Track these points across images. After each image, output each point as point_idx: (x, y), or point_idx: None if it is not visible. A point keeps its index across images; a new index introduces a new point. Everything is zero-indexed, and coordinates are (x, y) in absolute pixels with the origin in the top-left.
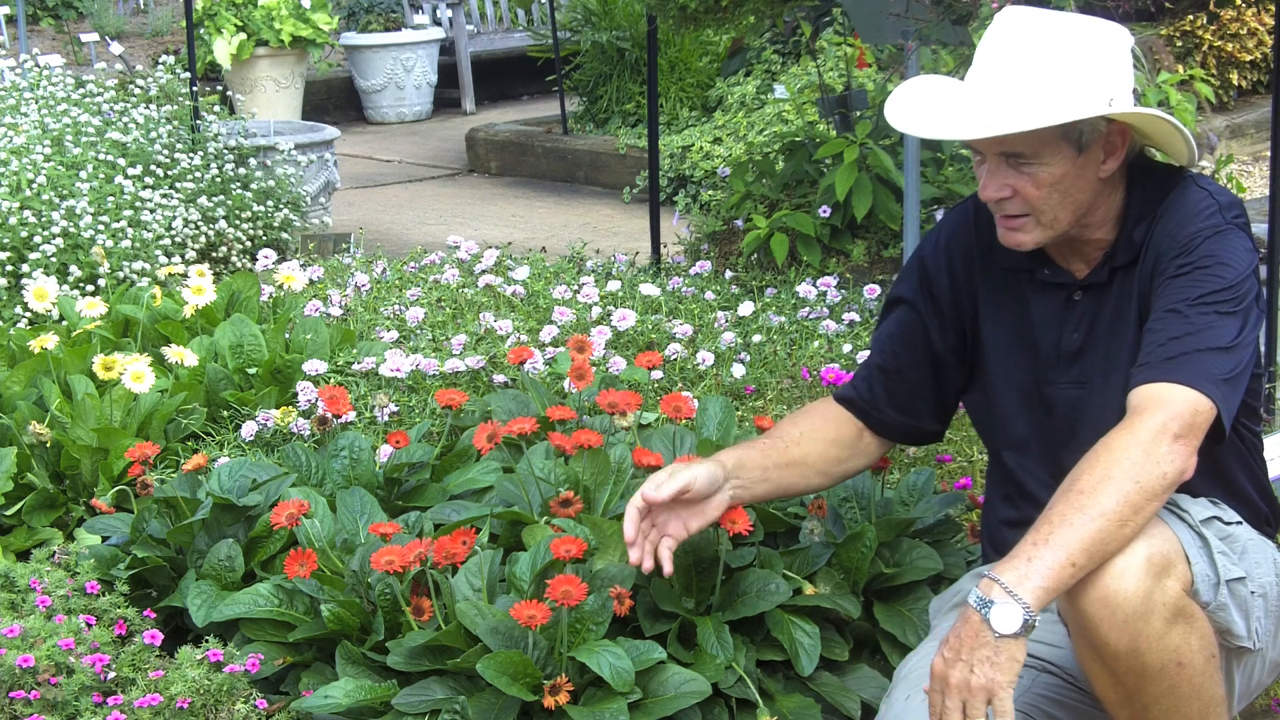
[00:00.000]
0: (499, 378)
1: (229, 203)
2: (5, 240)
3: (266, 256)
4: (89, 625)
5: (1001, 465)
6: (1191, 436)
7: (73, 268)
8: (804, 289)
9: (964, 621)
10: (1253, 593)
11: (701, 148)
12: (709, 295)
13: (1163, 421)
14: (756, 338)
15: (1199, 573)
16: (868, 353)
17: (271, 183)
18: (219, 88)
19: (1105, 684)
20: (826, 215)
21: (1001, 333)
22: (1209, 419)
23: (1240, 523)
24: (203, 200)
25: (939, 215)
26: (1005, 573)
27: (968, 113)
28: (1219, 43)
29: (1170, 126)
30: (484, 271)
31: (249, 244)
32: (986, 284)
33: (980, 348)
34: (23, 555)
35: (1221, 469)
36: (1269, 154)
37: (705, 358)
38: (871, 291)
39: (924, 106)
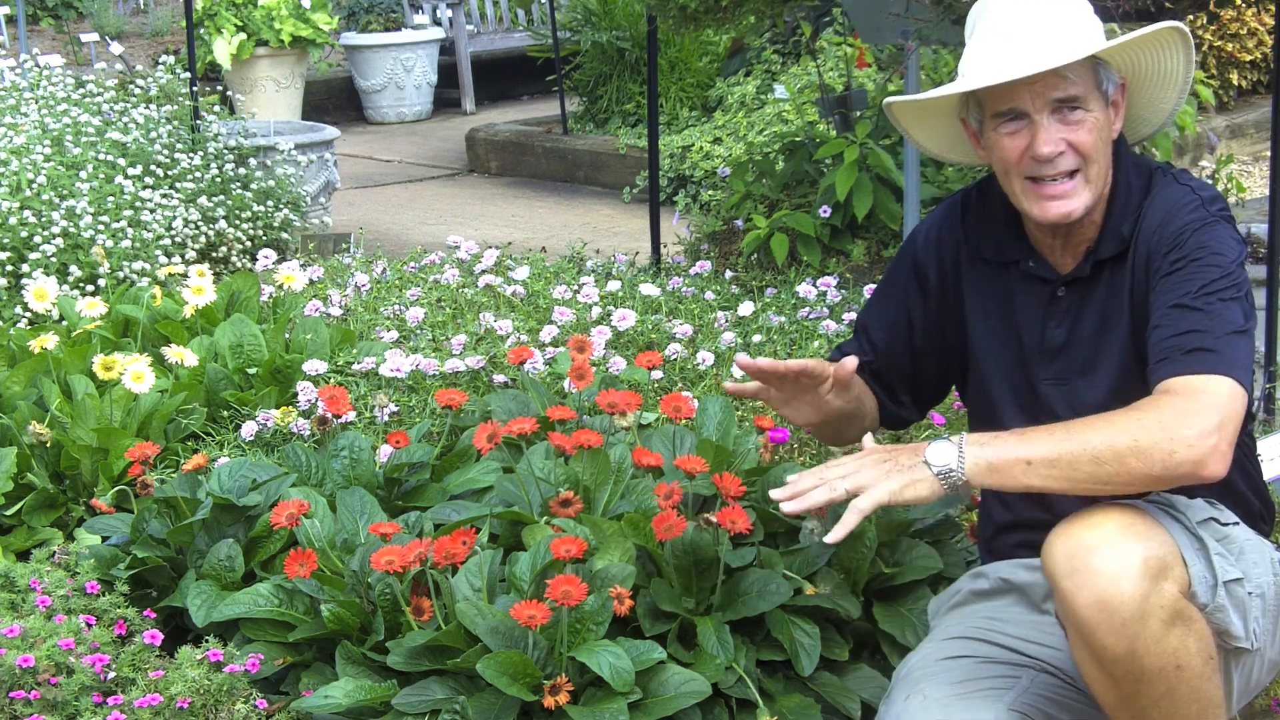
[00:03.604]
0: (499, 378)
1: (229, 203)
2: (5, 240)
3: (266, 256)
4: (89, 625)
5: None
6: (1230, 427)
7: (73, 268)
8: (804, 289)
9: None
10: (1250, 593)
11: (701, 148)
12: (709, 295)
13: (1202, 405)
14: (756, 338)
15: (1196, 575)
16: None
17: (271, 183)
18: (219, 88)
19: (1103, 687)
20: (826, 215)
21: (989, 327)
22: (1244, 406)
23: (1237, 523)
24: (203, 200)
25: None
26: (967, 435)
27: (1022, 56)
28: (1219, 43)
29: (1170, 40)
30: (484, 271)
31: (249, 244)
32: (973, 279)
33: (970, 343)
34: (23, 555)
35: (1232, 479)
36: (1269, 154)
37: (705, 358)
38: (871, 291)
39: (979, 64)
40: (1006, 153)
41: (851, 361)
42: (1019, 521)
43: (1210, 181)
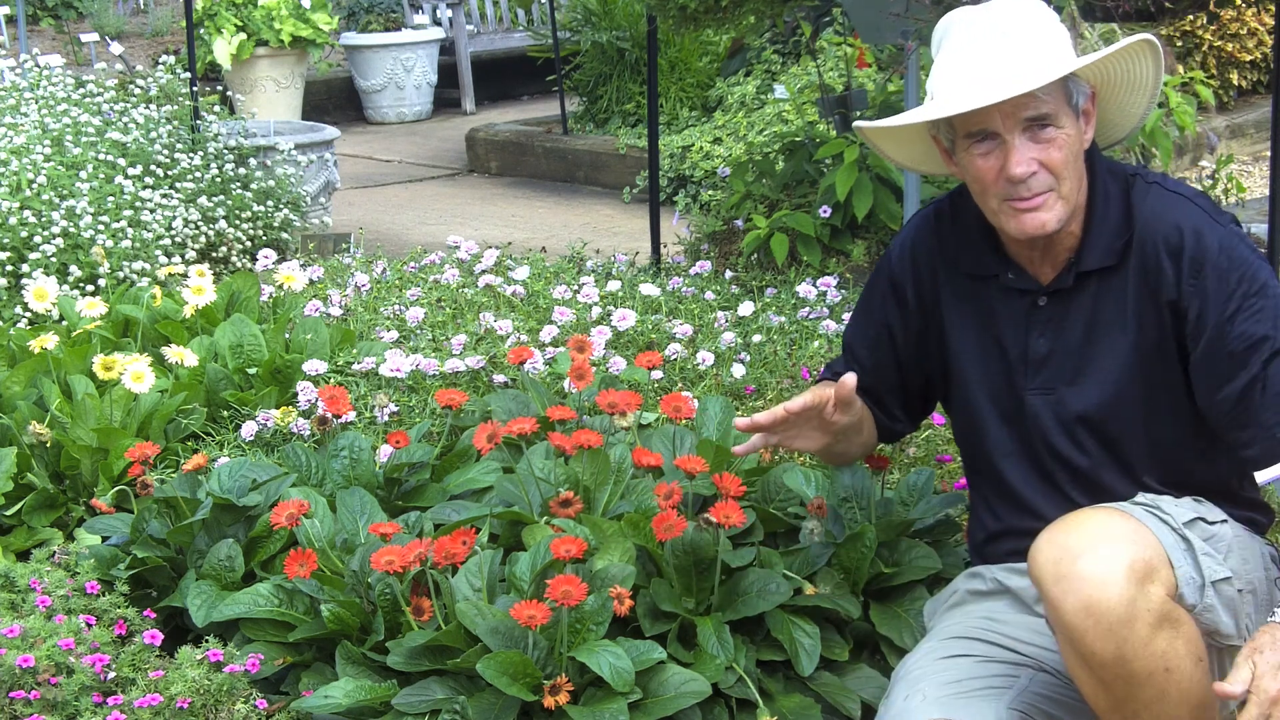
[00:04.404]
0: (499, 378)
1: (229, 203)
2: (5, 240)
3: (266, 256)
4: (89, 625)
5: (982, 475)
6: None
7: (73, 268)
8: (804, 289)
9: None
10: (1240, 590)
11: (701, 148)
12: (709, 295)
13: None
14: (756, 338)
15: (1183, 576)
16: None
17: (271, 183)
18: (219, 88)
19: (1094, 691)
20: (827, 215)
21: (970, 340)
22: None
23: (1225, 521)
24: (203, 200)
25: None
26: None
27: (992, 77)
28: (1219, 43)
29: (1134, 55)
30: (484, 271)
31: (249, 244)
32: (951, 291)
33: (950, 356)
34: (23, 555)
35: (1220, 482)
36: (1269, 154)
37: (705, 358)
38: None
39: (948, 86)
40: (981, 173)
41: (851, 378)
42: (1009, 529)
43: (1210, 182)
